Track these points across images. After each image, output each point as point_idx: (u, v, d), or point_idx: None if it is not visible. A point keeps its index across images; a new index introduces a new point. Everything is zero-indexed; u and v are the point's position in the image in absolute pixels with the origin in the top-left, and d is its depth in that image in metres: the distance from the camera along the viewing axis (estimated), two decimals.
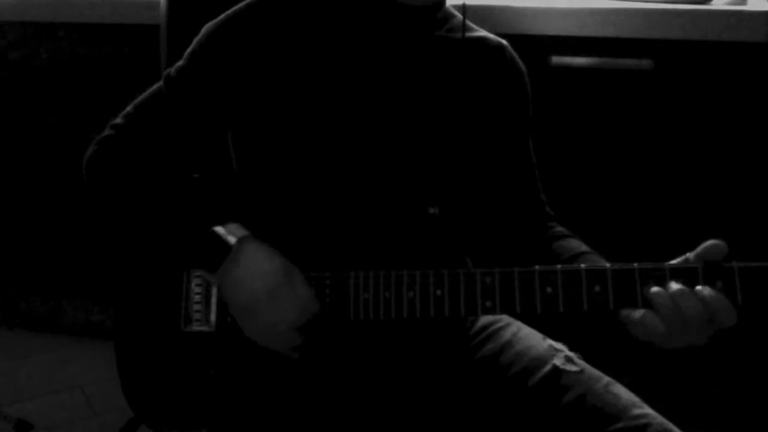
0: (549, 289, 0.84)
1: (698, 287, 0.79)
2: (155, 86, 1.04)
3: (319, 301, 0.92)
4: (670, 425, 0.91)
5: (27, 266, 2.28)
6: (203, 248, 0.93)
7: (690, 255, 0.82)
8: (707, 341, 0.81)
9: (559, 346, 1.03)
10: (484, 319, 1.09)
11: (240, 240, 0.92)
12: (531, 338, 1.04)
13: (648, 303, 0.81)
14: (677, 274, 0.80)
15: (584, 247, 1.02)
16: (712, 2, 1.58)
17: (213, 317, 0.99)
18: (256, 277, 0.90)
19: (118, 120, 1.03)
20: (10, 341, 2.22)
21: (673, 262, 0.82)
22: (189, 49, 1.02)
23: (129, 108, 1.04)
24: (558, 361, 0.99)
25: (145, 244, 1.04)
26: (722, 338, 1.66)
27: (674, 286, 0.79)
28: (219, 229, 0.93)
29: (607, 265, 0.84)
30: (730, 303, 0.78)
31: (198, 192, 0.98)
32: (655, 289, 0.80)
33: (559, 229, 1.08)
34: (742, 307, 0.79)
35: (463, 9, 1.05)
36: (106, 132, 1.03)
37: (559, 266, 0.84)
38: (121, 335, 1.03)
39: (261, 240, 0.93)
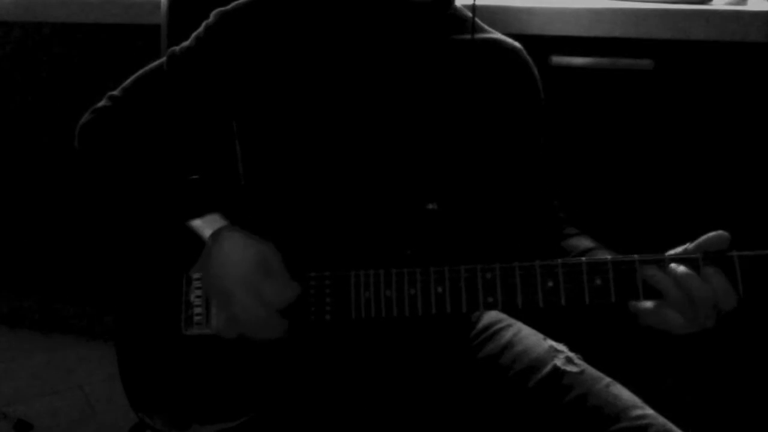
0: (550, 283, 0.83)
1: (701, 270, 0.79)
2: (156, 62, 1.04)
3: (299, 285, 0.91)
4: (671, 426, 0.91)
5: (28, 267, 2.28)
6: (179, 242, 0.94)
7: (690, 245, 0.82)
8: (714, 324, 0.81)
9: (559, 346, 1.03)
10: (486, 320, 1.09)
11: (215, 233, 0.92)
12: (532, 339, 1.04)
13: (650, 293, 0.81)
14: (678, 263, 0.80)
15: (591, 244, 1.01)
16: (712, 2, 1.58)
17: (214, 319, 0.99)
18: (230, 268, 0.90)
19: (116, 92, 1.04)
20: (10, 341, 2.22)
21: (673, 252, 0.82)
22: (196, 32, 1.02)
23: (128, 81, 1.04)
24: (559, 362, 0.99)
25: (130, 227, 1.05)
26: (723, 338, 1.66)
27: (677, 269, 0.79)
28: (194, 223, 0.94)
29: (608, 257, 0.83)
30: (730, 284, 0.78)
31: (183, 182, 0.98)
32: (655, 273, 0.80)
33: (571, 230, 1.07)
34: (743, 297, 0.79)
35: (473, 9, 1.04)
36: (103, 102, 1.04)
37: (559, 260, 0.84)
38: (122, 340, 1.03)
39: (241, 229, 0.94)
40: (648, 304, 0.82)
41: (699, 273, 0.79)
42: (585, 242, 1.02)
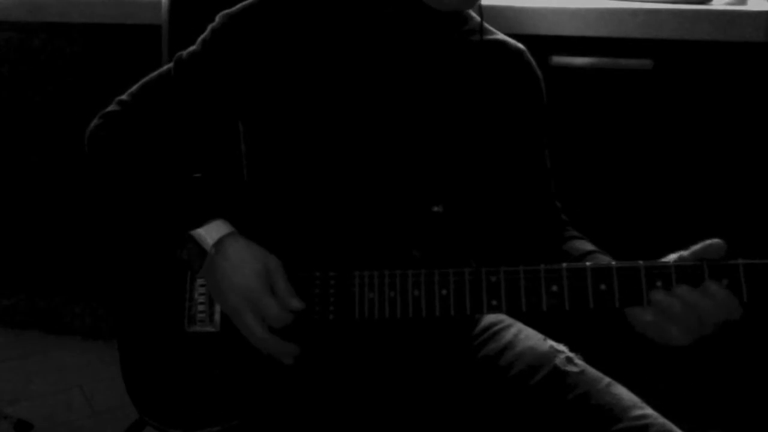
0: (555, 288, 0.83)
1: (705, 284, 0.78)
2: (164, 68, 1.04)
3: (302, 300, 0.92)
4: (671, 426, 0.91)
5: (28, 266, 2.28)
6: (183, 250, 0.94)
7: (685, 253, 0.81)
8: (713, 330, 0.81)
9: (560, 347, 1.03)
10: (486, 320, 1.10)
11: (218, 242, 0.92)
12: (532, 339, 1.05)
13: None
14: (683, 271, 0.80)
15: (591, 247, 1.01)
16: (712, 2, 1.59)
17: (217, 317, 0.99)
18: (233, 281, 0.91)
19: (124, 97, 1.04)
20: (10, 341, 2.22)
21: (672, 256, 0.82)
22: (203, 36, 1.02)
23: (136, 87, 1.04)
24: (559, 362, 0.99)
25: (136, 229, 1.05)
26: (723, 338, 1.66)
27: (685, 292, 0.79)
28: (197, 232, 0.93)
29: (613, 263, 0.83)
30: (736, 298, 0.78)
31: (188, 187, 0.98)
32: (663, 298, 0.80)
33: (572, 233, 1.07)
34: (748, 304, 0.79)
35: (480, 11, 1.05)
36: (111, 107, 1.04)
37: (564, 264, 0.84)
38: (125, 337, 1.03)
39: (249, 236, 0.94)
40: (648, 317, 0.81)
41: (703, 284, 0.79)
42: (584, 245, 1.02)
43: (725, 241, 0.80)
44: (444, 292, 0.87)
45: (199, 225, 0.94)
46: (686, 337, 0.81)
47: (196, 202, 0.95)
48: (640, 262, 0.82)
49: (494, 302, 0.86)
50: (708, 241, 0.80)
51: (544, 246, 1.05)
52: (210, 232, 0.93)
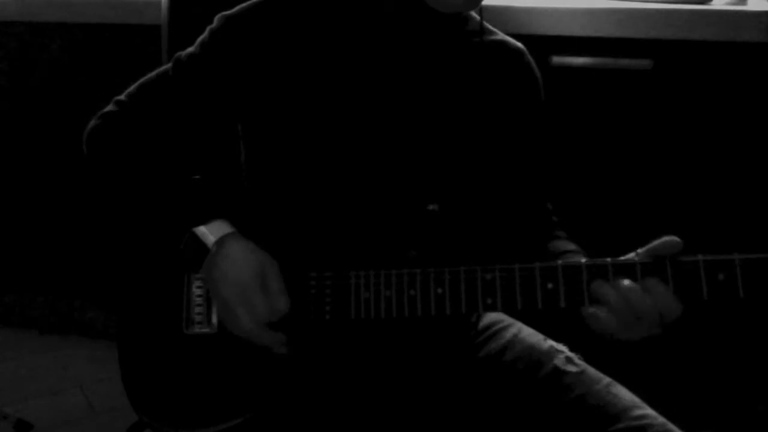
0: (550, 285, 0.83)
1: (648, 281, 0.79)
2: (162, 68, 1.04)
3: (291, 300, 0.92)
4: (671, 426, 0.91)
5: (28, 266, 2.28)
6: (185, 247, 0.94)
7: (640, 250, 0.82)
8: (660, 332, 0.82)
9: (560, 346, 1.03)
10: (486, 320, 1.10)
11: (219, 240, 0.93)
12: (532, 339, 1.05)
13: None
14: (678, 265, 0.80)
15: (572, 247, 1.01)
16: (712, 2, 1.59)
17: (215, 319, 0.99)
18: (230, 278, 0.91)
19: (122, 97, 1.04)
20: (10, 341, 2.22)
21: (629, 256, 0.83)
22: (201, 37, 1.02)
23: (134, 87, 1.04)
24: (559, 362, 1.00)
25: (134, 229, 1.05)
26: (723, 338, 1.66)
27: (624, 282, 0.80)
28: (199, 230, 0.94)
29: (608, 259, 0.83)
30: (674, 296, 0.79)
31: (189, 187, 0.98)
32: (604, 286, 0.80)
33: (559, 233, 1.07)
34: (744, 299, 0.79)
35: (480, 11, 1.05)
36: (109, 107, 1.04)
37: (559, 262, 0.84)
38: (124, 339, 1.03)
39: (247, 236, 0.94)
40: (591, 309, 0.82)
41: (637, 279, 0.79)
42: (565, 245, 1.02)
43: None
44: (439, 290, 0.88)
45: (202, 223, 0.94)
46: (622, 329, 0.81)
47: (199, 201, 0.96)
48: (635, 257, 0.82)
49: (489, 300, 0.86)
50: (664, 238, 0.81)
51: (530, 246, 1.05)
52: (213, 230, 0.94)
